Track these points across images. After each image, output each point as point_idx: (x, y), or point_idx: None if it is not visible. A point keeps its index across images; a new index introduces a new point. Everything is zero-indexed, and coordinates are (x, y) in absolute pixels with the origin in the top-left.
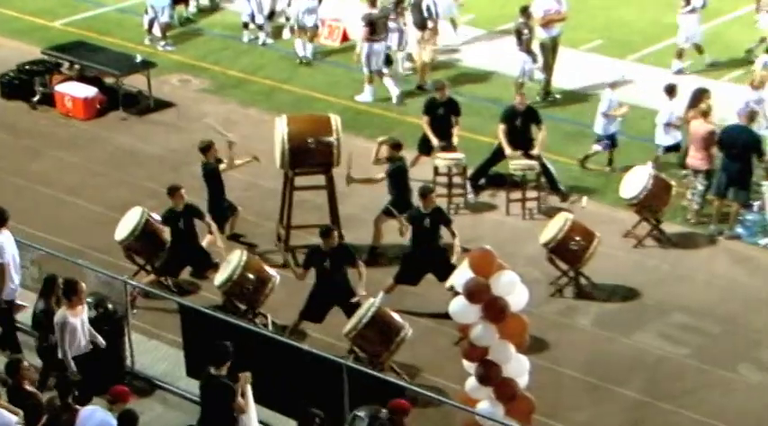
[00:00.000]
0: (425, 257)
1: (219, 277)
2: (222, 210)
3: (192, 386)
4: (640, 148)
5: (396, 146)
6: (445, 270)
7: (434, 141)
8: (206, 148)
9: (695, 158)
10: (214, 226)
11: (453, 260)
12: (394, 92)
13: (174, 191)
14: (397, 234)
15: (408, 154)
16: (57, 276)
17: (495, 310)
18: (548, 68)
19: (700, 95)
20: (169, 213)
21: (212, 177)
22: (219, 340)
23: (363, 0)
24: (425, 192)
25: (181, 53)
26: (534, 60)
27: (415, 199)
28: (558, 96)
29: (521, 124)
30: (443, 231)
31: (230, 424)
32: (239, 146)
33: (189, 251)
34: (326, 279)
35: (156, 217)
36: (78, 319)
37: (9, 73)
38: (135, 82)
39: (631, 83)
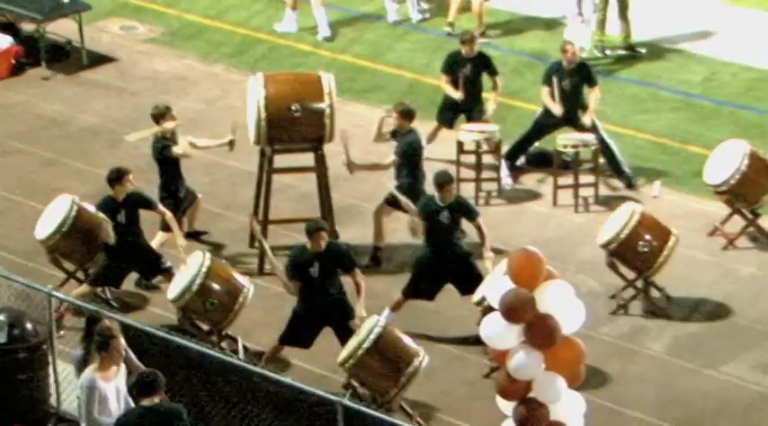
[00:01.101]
0: (443, 263)
1: (174, 288)
2: (177, 200)
3: None
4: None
5: (406, 113)
6: (469, 280)
7: (454, 94)
8: (160, 115)
9: None
10: (170, 216)
11: (481, 266)
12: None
13: (118, 178)
14: (405, 232)
15: (423, 127)
16: (99, 317)
17: (540, 332)
18: (623, 11)
19: None
20: (105, 203)
21: (165, 161)
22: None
23: None
24: (443, 182)
25: None
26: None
27: (429, 188)
28: (642, 50)
29: (570, 86)
30: (467, 227)
31: None
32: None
33: (132, 252)
34: (314, 291)
35: (90, 207)
36: (112, 385)
37: None
38: (62, 29)
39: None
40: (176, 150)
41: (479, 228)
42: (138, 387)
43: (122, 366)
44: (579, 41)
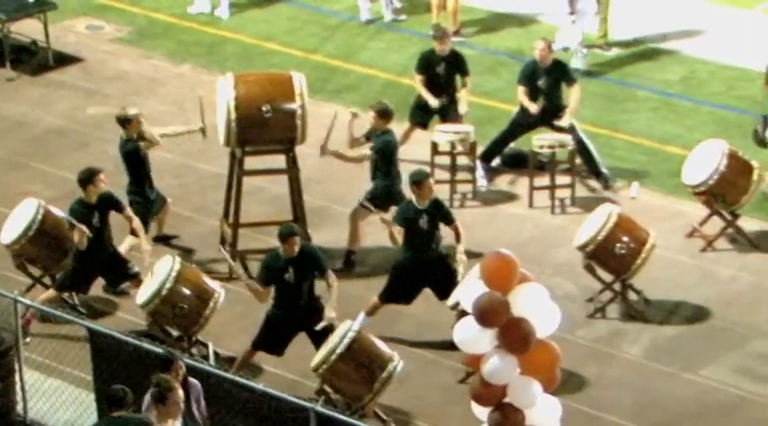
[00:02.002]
0: (422, 268)
1: (143, 293)
2: (148, 203)
3: None
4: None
5: (383, 113)
6: (447, 285)
7: (431, 100)
8: (127, 118)
9: None
10: (137, 222)
11: (459, 270)
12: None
13: (90, 179)
14: (380, 234)
15: (397, 128)
16: (175, 357)
17: (515, 336)
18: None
19: None
20: (79, 206)
21: (135, 157)
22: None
23: None
24: (419, 179)
25: None
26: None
27: (406, 189)
28: (613, 49)
29: (546, 85)
30: (444, 231)
31: None
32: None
33: (101, 257)
34: (288, 296)
35: (57, 211)
36: None
37: None
38: (27, 29)
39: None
40: (147, 132)
41: (457, 230)
42: (109, 401)
43: (180, 419)
44: (569, 42)
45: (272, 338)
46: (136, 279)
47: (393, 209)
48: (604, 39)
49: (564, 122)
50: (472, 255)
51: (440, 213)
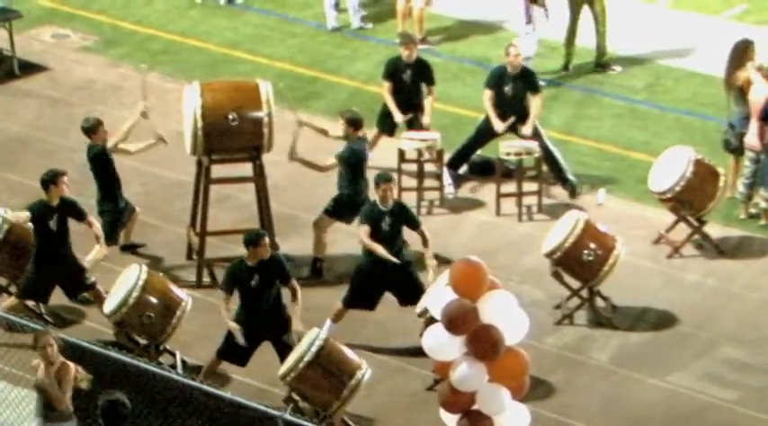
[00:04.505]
0: (383, 271)
1: (110, 302)
2: (117, 212)
3: None
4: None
5: (353, 122)
6: (409, 291)
7: (397, 116)
8: (92, 128)
9: (755, 135)
10: (97, 227)
11: (429, 276)
12: None
13: (53, 180)
14: (347, 241)
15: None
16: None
17: (484, 343)
18: (573, 26)
19: (744, 49)
20: (37, 208)
21: (102, 165)
22: (110, 393)
23: None
24: (381, 181)
25: None
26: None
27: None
28: (616, 68)
29: (512, 91)
30: (410, 237)
31: None
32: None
33: (59, 264)
34: (253, 303)
35: (20, 214)
36: None
37: None
38: None
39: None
40: (111, 143)
41: (423, 235)
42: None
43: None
44: (526, 51)
45: (237, 347)
46: (93, 290)
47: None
48: (608, 57)
49: (525, 131)
50: (440, 262)
51: (404, 216)
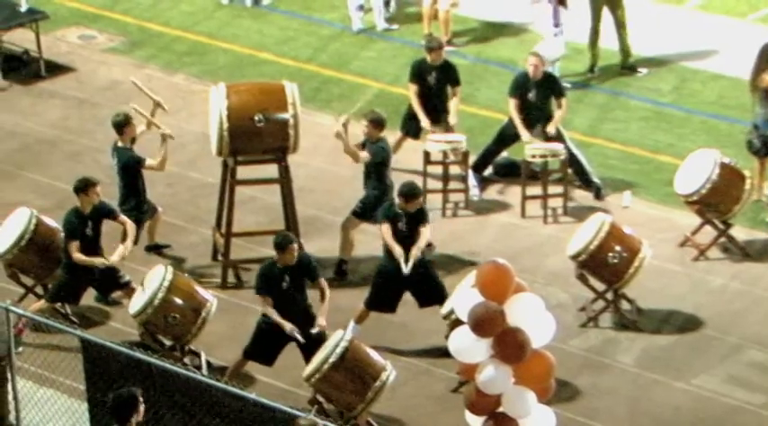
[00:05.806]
0: (400, 271)
1: (136, 302)
2: (141, 213)
3: None
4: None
5: (377, 122)
6: (428, 292)
7: (424, 121)
8: (122, 124)
9: None
10: (131, 225)
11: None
12: None
13: (85, 188)
14: (372, 244)
15: (389, 137)
16: None
17: (510, 346)
18: (595, 28)
19: None
20: (72, 218)
21: (130, 166)
22: (129, 386)
23: None
24: (410, 194)
25: None
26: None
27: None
28: (642, 70)
29: (536, 97)
30: (435, 237)
31: None
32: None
33: (92, 268)
34: (284, 304)
35: (49, 221)
36: None
37: None
38: (19, 39)
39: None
40: (149, 163)
41: (420, 234)
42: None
43: None
44: (552, 54)
45: (264, 347)
46: (127, 289)
47: None
48: (634, 59)
49: (549, 129)
50: (465, 264)
51: (419, 216)
